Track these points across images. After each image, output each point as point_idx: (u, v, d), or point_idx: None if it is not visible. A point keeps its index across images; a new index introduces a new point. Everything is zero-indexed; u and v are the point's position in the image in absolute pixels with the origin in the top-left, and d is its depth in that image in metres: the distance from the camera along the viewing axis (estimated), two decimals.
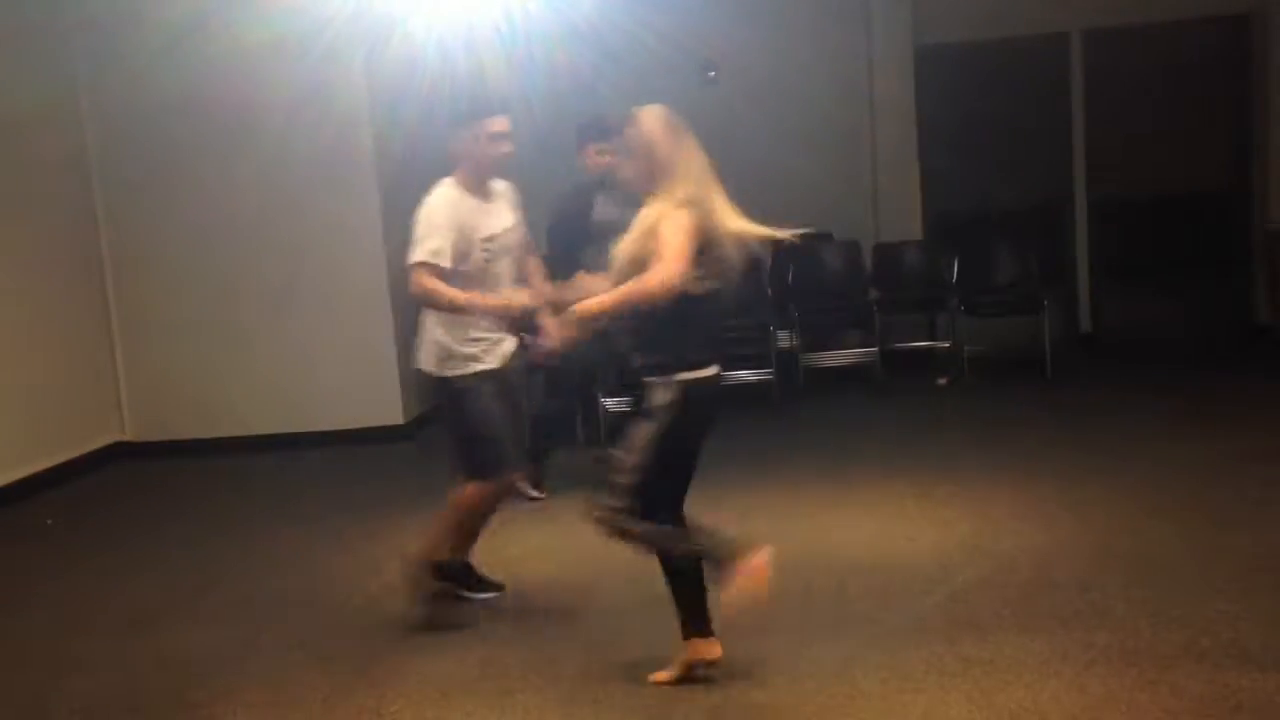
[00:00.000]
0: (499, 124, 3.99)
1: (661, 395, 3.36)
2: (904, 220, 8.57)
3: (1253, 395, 6.82)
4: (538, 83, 7.69)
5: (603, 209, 5.40)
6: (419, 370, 4.16)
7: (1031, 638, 3.63)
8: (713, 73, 8.63)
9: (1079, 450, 5.86)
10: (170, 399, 7.30)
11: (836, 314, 8.04)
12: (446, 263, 3.89)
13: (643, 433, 3.36)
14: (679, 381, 3.36)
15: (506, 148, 4.02)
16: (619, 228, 4.66)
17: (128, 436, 7.39)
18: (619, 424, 3.66)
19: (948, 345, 7.89)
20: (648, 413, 3.37)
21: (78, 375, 7.06)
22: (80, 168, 7.17)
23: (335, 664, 3.88)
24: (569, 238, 5.31)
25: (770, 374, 7.33)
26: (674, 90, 8.43)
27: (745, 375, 7.45)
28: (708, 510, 5.24)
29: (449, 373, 4.05)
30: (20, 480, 6.39)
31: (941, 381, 7.70)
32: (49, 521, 6.05)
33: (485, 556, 4.93)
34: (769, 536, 4.81)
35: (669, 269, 3.24)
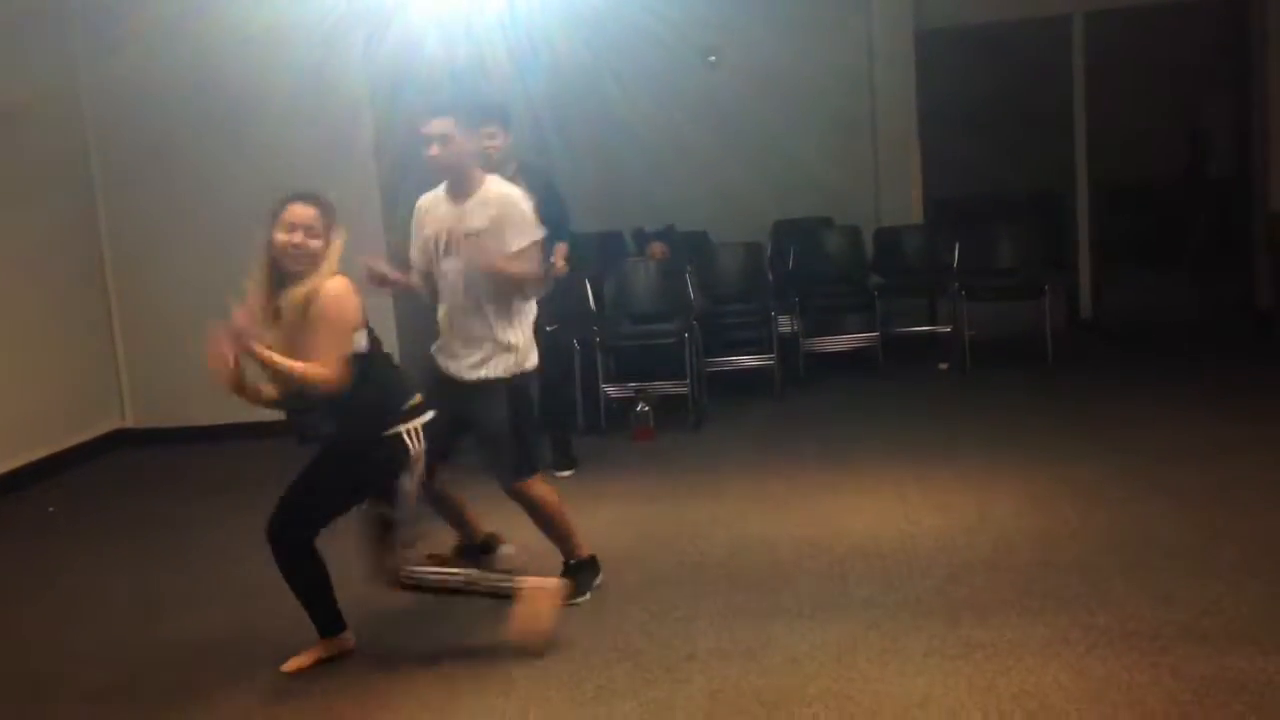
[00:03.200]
0: None
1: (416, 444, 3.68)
2: (905, 205, 8.57)
3: (1254, 380, 6.82)
4: (538, 69, 7.69)
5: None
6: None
7: (1032, 620, 3.63)
8: (714, 58, 8.61)
9: (1079, 434, 5.87)
10: (171, 386, 7.29)
11: (837, 299, 8.04)
12: None
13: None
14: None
15: None
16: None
17: (129, 423, 7.40)
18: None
19: (949, 330, 7.89)
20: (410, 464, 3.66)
21: (78, 362, 7.06)
22: (80, 155, 7.16)
23: None
24: None
25: (771, 359, 7.32)
26: (676, 75, 8.49)
27: (747, 361, 7.46)
28: (708, 496, 5.28)
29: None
30: (22, 468, 6.40)
31: (942, 366, 7.69)
32: (51, 509, 6.06)
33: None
34: (770, 520, 4.88)
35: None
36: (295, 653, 3.86)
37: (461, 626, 3.98)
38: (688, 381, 6.75)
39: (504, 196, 4.05)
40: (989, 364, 7.59)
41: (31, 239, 6.66)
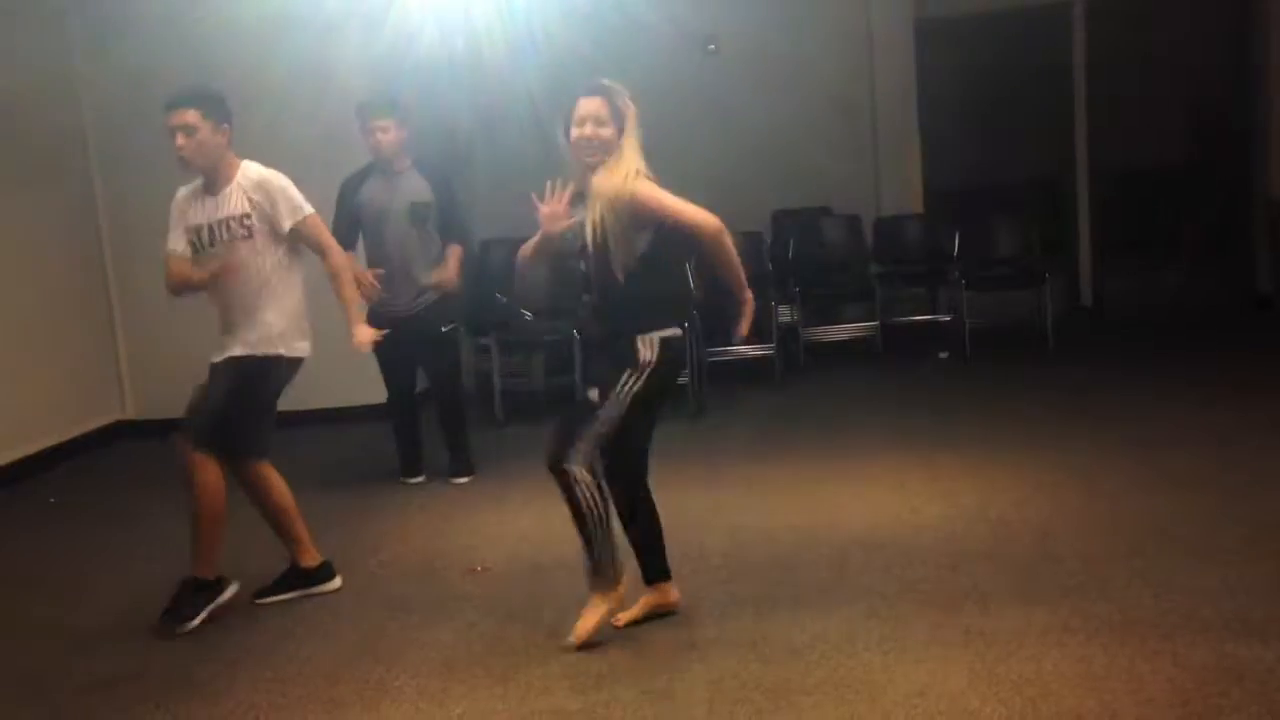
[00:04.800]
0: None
1: (647, 352, 3.54)
2: (905, 194, 8.55)
3: (1254, 365, 6.82)
4: (536, 58, 7.66)
5: (371, 192, 5.47)
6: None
7: (1033, 609, 3.63)
8: (713, 46, 8.59)
9: (1080, 422, 5.87)
10: (171, 377, 7.24)
11: (837, 288, 8.03)
12: None
13: (631, 387, 3.53)
14: (662, 338, 3.56)
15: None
16: (386, 212, 5.27)
17: (129, 415, 7.40)
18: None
19: (949, 319, 7.89)
20: (636, 368, 3.53)
21: (78, 354, 7.06)
22: (78, 145, 7.15)
23: (338, 639, 3.89)
24: (335, 223, 5.31)
25: (771, 348, 7.32)
26: (674, 63, 8.46)
27: (746, 350, 7.45)
28: (709, 485, 5.28)
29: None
30: (22, 459, 6.40)
31: (943, 355, 7.69)
32: (51, 500, 6.06)
33: (491, 532, 4.96)
34: (771, 510, 4.88)
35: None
36: (297, 642, 3.87)
37: (464, 617, 3.99)
38: (688, 371, 6.74)
39: (262, 178, 4.11)
40: (989, 352, 7.59)
41: (30, 230, 6.66)
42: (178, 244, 4.23)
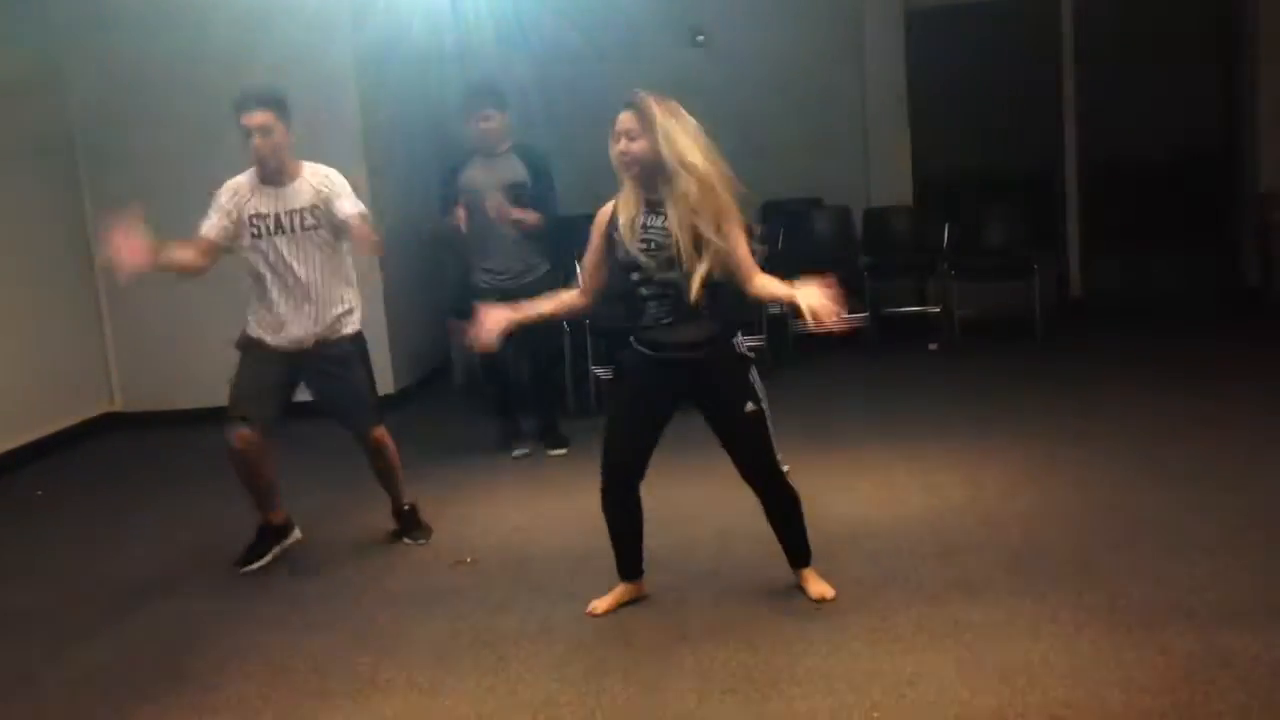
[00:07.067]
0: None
1: (745, 349, 3.76)
2: (894, 185, 8.55)
3: (1241, 357, 6.83)
4: (525, 48, 7.65)
5: (471, 174, 5.72)
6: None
7: (1021, 599, 3.65)
8: (702, 37, 8.57)
9: (1069, 413, 5.88)
10: (159, 369, 7.27)
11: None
12: None
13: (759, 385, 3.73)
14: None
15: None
16: (484, 193, 5.49)
17: (117, 407, 7.37)
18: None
19: (938, 310, 7.89)
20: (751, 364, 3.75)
21: (66, 346, 7.03)
22: (64, 137, 7.11)
23: (330, 631, 3.89)
24: (441, 201, 5.84)
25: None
26: (663, 54, 8.44)
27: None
28: (698, 476, 5.29)
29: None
30: (9, 452, 6.38)
31: (932, 346, 7.70)
32: (39, 492, 6.04)
33: (483, 523, 4.96)
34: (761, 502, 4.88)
35: None
36: (289, 634, 3.87)
37: (454, 609, 3.99)
38: None
39: (324, 174, 4.42)
40: (978, 343, 7.61)
41: (15, 220, 6.62)
42: (213, 231, 4.43)
